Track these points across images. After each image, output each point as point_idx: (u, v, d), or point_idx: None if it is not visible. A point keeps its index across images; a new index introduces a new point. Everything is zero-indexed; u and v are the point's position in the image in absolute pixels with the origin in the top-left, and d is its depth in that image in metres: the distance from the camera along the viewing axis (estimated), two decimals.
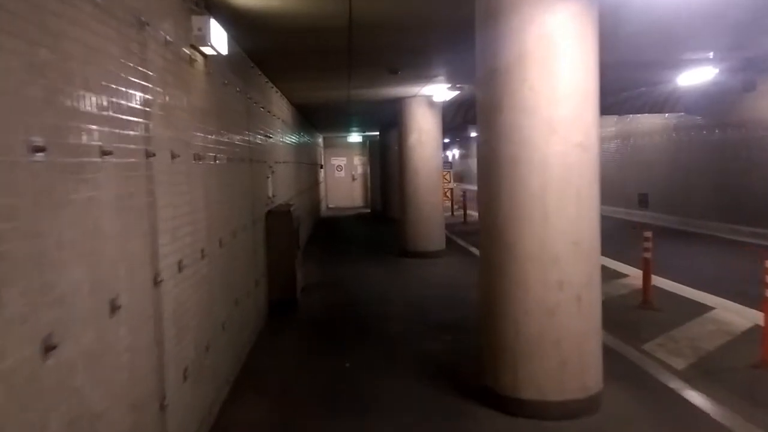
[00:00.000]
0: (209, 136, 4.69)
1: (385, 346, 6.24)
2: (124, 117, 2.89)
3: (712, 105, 14.94)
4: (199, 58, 4.47)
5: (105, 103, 2.65)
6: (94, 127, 2.53)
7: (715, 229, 14.25)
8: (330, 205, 26.42)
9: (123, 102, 2.87)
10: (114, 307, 2.62)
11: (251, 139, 6.77)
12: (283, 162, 10.10)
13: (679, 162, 16.85)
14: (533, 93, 4.05)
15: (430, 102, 11.36)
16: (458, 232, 15.36)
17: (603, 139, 21.00)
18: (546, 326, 4.12)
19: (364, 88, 10.11)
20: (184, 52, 4.10)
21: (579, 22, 4.08)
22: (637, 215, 18.08)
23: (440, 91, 10.22)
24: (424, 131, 11.50)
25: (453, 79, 9.37)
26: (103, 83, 2.65)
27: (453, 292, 8.63)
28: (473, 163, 42.81)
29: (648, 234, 7.67)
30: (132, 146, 2.96)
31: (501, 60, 4.17)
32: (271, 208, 7.68)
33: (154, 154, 3.22)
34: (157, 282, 3.20)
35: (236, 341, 5.44)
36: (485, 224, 4.46)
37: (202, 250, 4.24)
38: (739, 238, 13.02)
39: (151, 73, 3.30)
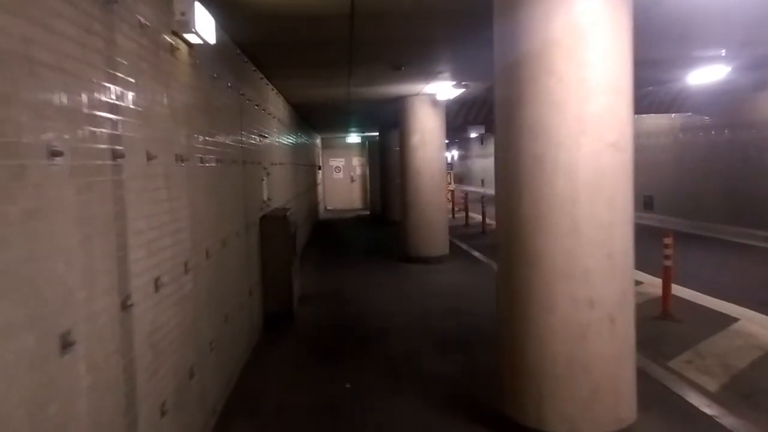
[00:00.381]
0: (195, 135, 4.20)
1: (388, 365, 5.74)
2: (83, 110, 2.39)
3: (720, 105, 14.52)
4: (183, 47, 3.98)
5: (54, 93, 2.16)
6: (38, 122, 2.04)
7: (725, 233, 13.80)
8: (328, 207, 25.93)
9: (82, 92, 2.38)
10: (66, 343, 2.13)
11: (244, 139, 6.29)
12: (280, 163, 9.61)
13: (686, 163, 16.44)
14: (561, 85, 3.57)
15: (433, 101, 10.87)
16: (461, 235, 14.89)
17: None
18: (575, 349, 3.63)
19: (364, 86, 9.63)
20: (165, 39, 3.61)
21: (612, 6, 3.60)
22: (642, 217, 17.62)
23: (444, 89, 9.74)
24: (427, 131, 11.00)
25: (458, 77, 8.89)
26: (54, 68, 2.16)
27: (460, 303, 8.13)
28: (473, 164, 42.35)
29: (668, 240, 7.19)
30: (93, 145, 2.47)
31: (524, 50, 3.69)
32: (266, 212, 7.19)
33: (123, 155, 2.73)
34: (126, 306, 2.70)
35: (227, 361, 4.94)
36: (504, 233, 3.97)
37: (186, 264, 3.74)
38: (751, 243, 12.57)
39: (120, 60, 2.81)
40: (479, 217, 19.05)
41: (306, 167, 16.25)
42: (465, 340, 6.42)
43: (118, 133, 2.73)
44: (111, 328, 2.57)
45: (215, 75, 4.95)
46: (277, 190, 8.85)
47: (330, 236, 16.74)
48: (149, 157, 3.13)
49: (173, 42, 3.76)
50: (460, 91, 9.65)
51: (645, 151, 18.60)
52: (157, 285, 3.15)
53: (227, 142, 5.36)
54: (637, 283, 8.95)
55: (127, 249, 2.76)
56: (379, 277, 10.11)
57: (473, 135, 37.71)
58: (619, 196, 3.66)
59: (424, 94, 10.77)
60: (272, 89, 8.90)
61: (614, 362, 3.69)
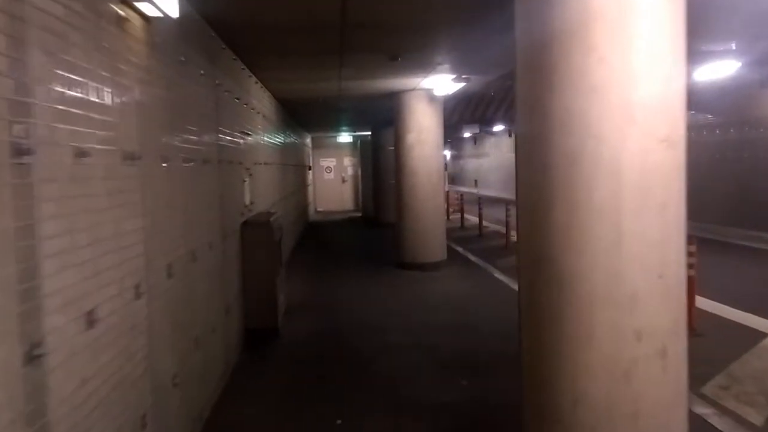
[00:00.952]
0: (154, 129, 3.48)
1: (385, 393, 5.03)
2: None
3: (726, 102, 13.95)
4: (137, 20, 3.26)
5: None
6: None
7: (734, 236, 13.22)
8: (319, 209, 25.20)
9: None
10: None
11: (222, 135, 5.57)
12: (265, 163, 8.90)
13: (690, 163, 15.82)
14: (603, 66, 2.88)
15: (430, 96, 10.17)
16: (457, 238, 14.21)
17: None
18: (619, 392, 2.95)
19: (357, 80, 8.92)
20: (109, 7, 2.89)
21: None
22: None
23: (443, 83, 9.04)
24: (423, 129, 10.29)
25: (459, 69, 8.20)
26: None
27: (461, 316, 7.43)
28: (465, 164, 41.67)
29: (692, 248, 6.50)
30: None
31: (556, 26, 3.00)
32: (247, 218, 6.46)
33: (30, 151, 2.01)
34: (33, 358, 1.98)
35: (197, 394, 4.22)
36: (528, 247, 3.27)
37: (137, 287, 3.03)
38: (763, 246, 11.98)
39: (33, 23, 2.09)
40: (474, 219, 18.41)
41: (295, 167, 15.53)
42: (470, 361, 5.72)
43: (26, 121, 2.01)
44: (8, 390, 1.85)
45: (183, 59, 4.23)
46: (261, 193, 8.14)
47: (320, 239, 16.02)
48: (79, 155, 2.41)
49: (122, 12, 3.04)
50: (460, 86, 8.96)
51: None
52: (90, 320, 2.43)
53: (199, 138, 4.64)
54: None
55: (38, 278, 2.04)
56: (373, 286, 9.40)
57: (467, 135, 37.23)
58: (672, 203, 2.98)
59: (420, 90, 10.07)
60: (256, 82, 8.18)
61: (667, 407, 3.00)
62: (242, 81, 6.99)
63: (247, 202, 6.69)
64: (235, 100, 6.32)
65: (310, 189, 22.86)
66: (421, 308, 7.82)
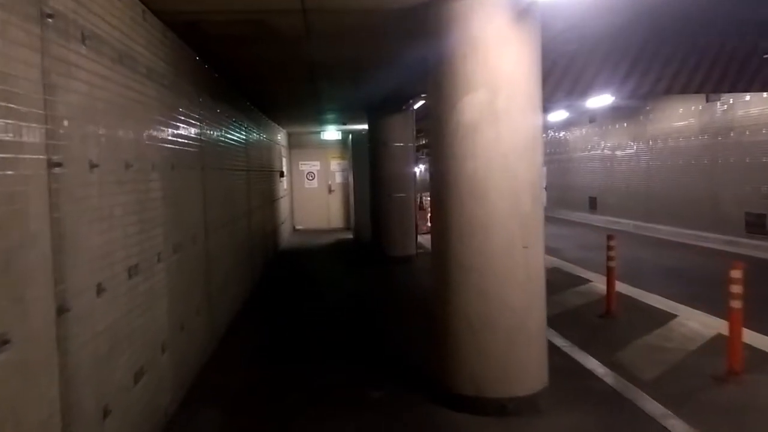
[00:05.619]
0: None
1: None
2: None
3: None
4: None
5: None
6: None
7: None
8: (298, 227, 19.35)
9: None
10: None
11: None
12: (93, 166, 3.08)
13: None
14: None
15: (518, 10, 4.27)
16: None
17: (678, 135, 14.87)
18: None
19: None
20: None
21: None
22: (746, 245, 12.37)
23: None
24: (502, 85, 4.25)
25: None
26: None
27: None
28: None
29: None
30: None
31: None
32: None
33: None
34: None
35: None
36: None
37: None
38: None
39: None
40: None
41: (247, 173, 9.69)
42: None
43: None
44: None
45: None
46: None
47: (282, 295, 9.69)
48: None
49: None
50: None
51: (747, 150, 12.79)
52: None
53: None
54: None
55: None
56: None
57: None
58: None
59: None
60: None
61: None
62: None
63: None
64: None
65: (285, 201, 16.98)
66: None
